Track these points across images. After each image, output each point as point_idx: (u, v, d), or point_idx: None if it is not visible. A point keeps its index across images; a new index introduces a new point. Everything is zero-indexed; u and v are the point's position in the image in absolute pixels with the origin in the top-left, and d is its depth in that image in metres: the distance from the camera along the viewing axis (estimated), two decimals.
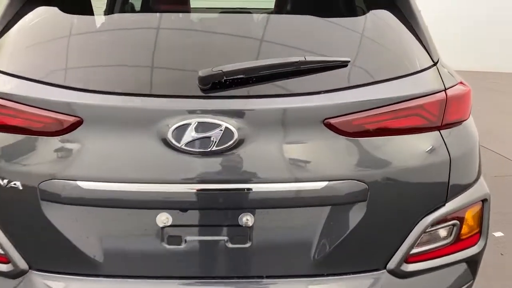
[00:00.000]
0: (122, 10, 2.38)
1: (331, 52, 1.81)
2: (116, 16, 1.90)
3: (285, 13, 2.35)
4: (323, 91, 1.68)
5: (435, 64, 1.88)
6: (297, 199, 1.67)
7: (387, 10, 1.98)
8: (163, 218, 1.68)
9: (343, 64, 1.74)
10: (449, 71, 1.94)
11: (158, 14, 1.97)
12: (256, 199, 1.67)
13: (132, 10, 2.63)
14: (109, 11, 2.57)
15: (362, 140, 1.70)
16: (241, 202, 1.67)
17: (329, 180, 1.67)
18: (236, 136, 1.61)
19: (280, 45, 1.88)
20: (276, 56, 1.75)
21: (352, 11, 2.13)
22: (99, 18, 1.90)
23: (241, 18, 2.10)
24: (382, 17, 1.98)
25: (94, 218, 1.70)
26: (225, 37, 1.88)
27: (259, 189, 1.65)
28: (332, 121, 1.67)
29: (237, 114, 1.63)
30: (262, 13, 2.64)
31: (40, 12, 1.88)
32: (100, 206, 1.68)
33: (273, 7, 2.66)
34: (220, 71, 1.59)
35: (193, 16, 1.92)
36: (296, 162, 1.66)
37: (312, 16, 1.96)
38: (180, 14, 1.93)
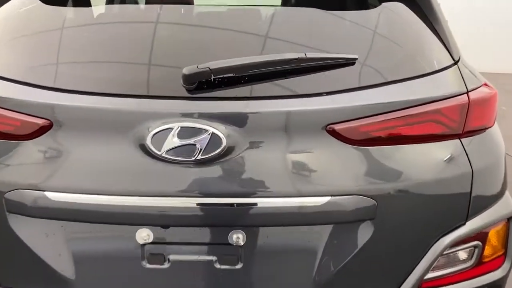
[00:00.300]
0: (110, 1, 2.20)
1: (336, 49, 1.60)
2: (92, 8, 1.70)
3: (289, 7, 2.14)
4: (325, 92, 1.47)
5: (455, 63, 1.65)
6: (295, 216, 1.46)
7: (402, 2, 1.76)
8: (144, 235, 1.48)
9: (350, 62, 1.53)
10: (472, 71, 1.71)
11: (141, 6, 1.78)
12: (248, 216, 1.46)
13: (122, 1, 2.45)
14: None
15: (371, 149, 1.49)
16: (231, 218, 1.46)
17: (332, 195, 1.45)
18: (224, 143, 1.41)
19: (280, 41, 1.67)
20: (275, 53, 1.54)
21: (361, 4, 1.91)
22: (73, 11, 1.71)
23: (237, 12, 1.90)
24: (396, 10, 1.75)
25: (65, 234, 1.51)
26: (218, 31, 1.67)
27: (251, 204, 1.44)
28: (336, 127, 1.46)
29: (226, 118, 1.42)
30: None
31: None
32: (72, 220, 1.49)
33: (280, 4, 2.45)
34: (207, 69, 1.39)
35: (182, 8, 1.73)
36: (294, 174, 1.45)
37: (316, 9, 1.75)
38: (166, 6, 1.73)
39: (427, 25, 1.71)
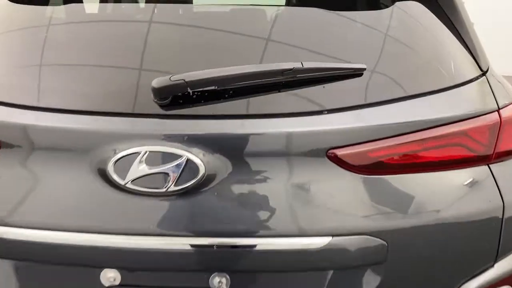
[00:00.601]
0: None
1: (341, 56, 1.34)
2: (46, 10, 1.45)
3: (287, 7, 1.88)
4: (327, 110, 1.21)
5: (484, 74, 1.39)
6: (288, 260, 1.21)
7: (419, 1, 1.49)
8: (110, 276, 1.24)
9: (357, 73, 1.27)
10: (503, 84, 1.44)
11: (108, 5, 1.53)
12: (232, 259, 1.21)
13: None
14: None
15: (380, 178, 1.23)
16: (211, 261, 1.21)
17: (333, 235, 1.19)
18: (203, 171, 1.16)
19: (275, 47, 1.40)
20: (269, 61, 1.29)
21: (371, 4, 1.65)
22: (28, 15, 1.45)
23: (228, 12, 1.65)
24: (411, 11, 1.49)
25: (17, 276, 1.27)
26: (200, 35, 1.42)
27: (235, 245, 1.19)
28: (339, 152, 1.20)
29: (205, 140, 1.17)
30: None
31: None
32: (23, 260, 1.25)
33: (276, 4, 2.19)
34: (182, 81, 1.14)
35: (156, 8, 1.48)
36: (288, 210, 1.19)
37: (318, 10, 1.49)
38: (138, 7, 1.48)
39: (448, 28, 1.45)
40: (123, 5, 1.53)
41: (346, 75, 1.26)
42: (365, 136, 1.21)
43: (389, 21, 1.47)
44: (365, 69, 1.27)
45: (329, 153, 1.20)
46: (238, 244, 1.19)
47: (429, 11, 1.48)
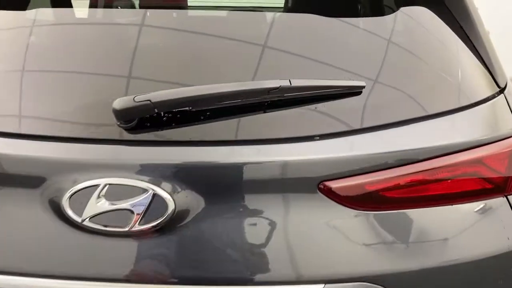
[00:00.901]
0: None
1: (337, 71, 1.17)
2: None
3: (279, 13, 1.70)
4: (318, 135, 1.04)
5: (501, 91, 1.21)
6: None
7: (426, 6, 1.32)
8: None
9: (354, 92, 1.10)
10: None
11: (67, 11, 1.35)
12: None
13: None
14: None
15: (381, 215, 1.06)
16: None
17: (326, 282, 1.02)
18: (172, 207, 0.99)
19: (266, 59, 1.22)
20: (258, 75, 1.13)
21: (374, 9, 1.48)
22: None
23: (208, 19, 1.47)
24: (418, 18, 1.32)
25: None
26: (174, 46, 1.25)
27: None
28: (333, 185, 1.03)
29: (175, 171, 1.00)
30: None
31: None
32: None
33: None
34: (147, 102, 0.97)
35: (126, 13, 1.31)
36: (273, 253, 1.02)
37: (314, 16, 1.31)
38: (101, 11, 1.31)
39: (460, 38, 1.27)
40: (85, 12, 1.35)
41: (342, 94, 1.08)
42: (362, 166, 1.03)
43: (391, 30, 1.29)
44: (363, 87, 1.09)
45: (322, 186, 1.03)
46: None
47: (437, 17, 1.31)
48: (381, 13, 1.45)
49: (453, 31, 1.28)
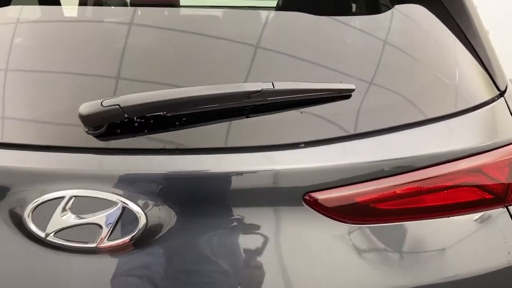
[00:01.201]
0: None
1: (323, 73, 1.09)
2: None
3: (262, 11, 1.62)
4: (303, 143, 0.96)
5: (501, 94, 1.13)
6: None
7: (422, 5, 1.24)
8: None
9: (343, 95, 1.02)
10: None
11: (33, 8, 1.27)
12: None
13: None
14: None
15: (372, 229, 0.98)
16: None
17: None
18: (143, 221, 0.91)
19: (253, 59, 1.15)
20: (242, 79, 1.05)
21: (367, 7, 1.40)
22: None
23: (196, 18, 1.39)
24: (414, 16, 1.24)
25: None
26: (162, 44, 1.16)
27: None
28: (320, 196, 0.95)
29: (147, 182, 0.92)
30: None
31: None
32: None
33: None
34: (116, 106, 0.89)
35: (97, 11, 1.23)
36: (252, 269, 0.94)
37: (302, 14, 1.23)
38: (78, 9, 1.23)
39: (458, 37, 1.19)
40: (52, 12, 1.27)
41: (329, 98, 1.01)
42: (352, 175, 0.95)
43: (385, 29, 1.21)
44: (353, 90, 1.01)
45: (308, 198, 0.95)
46: None
47: (434, 16, 1.23)
48: (375, 11, 1.38)
49: (451, 31, 1.21)
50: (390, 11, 1.24)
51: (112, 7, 1.44)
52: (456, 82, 1.11)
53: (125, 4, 1.94)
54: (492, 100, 1.11)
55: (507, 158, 1.03)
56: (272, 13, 1.56)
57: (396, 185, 0.97)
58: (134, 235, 0.91)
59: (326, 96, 1.01)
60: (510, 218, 1.06)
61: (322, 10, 1.21)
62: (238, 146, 0.95)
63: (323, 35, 1.21)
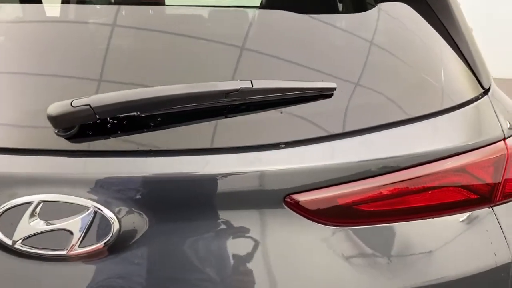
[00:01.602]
0: None
1: (304, 73, 1.06)
2: None
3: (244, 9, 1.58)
4: (284, 143, 0.93)
5: (485, 92, 1.11)
6: None
7: (406, 2, 1.22)
8: None
9: (324, 94, 0.99)
10: (506, 105, 1.16)
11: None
12: None
13: None
14: None
15: (355, 231, 0.95)
16: None
17: None
18: (116, 227, 0.87)
19: (231, 59, 1.11)
20: (223, 79, 1.01)
21: (351, 6, 1.38)
22: None
23: (176, 16, 1.35)
24: (397, 14, 1.21)
25: None
26: (133, 43, 1.13)
27: None
28: (301, 198, 0.92)
29: (121, 186, 0.88)
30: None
31: None
32: None
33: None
34: (87, 106, 0.85)
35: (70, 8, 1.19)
36: (231, 275, 0.90)
37: (284, 12, 1.20)
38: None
39: (441, 35, 1.17)
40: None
41: (310, 97, 0.97)
42: (334, 177, 0.92)
43: (368, 27, 1.18)
44: (334, 89, 0.99)
45: (289, 200, 0.92)
46: None
47: (417, 13, 1.21)
48: (359, 9, 1.35)
49: (434, 28, 1.19)
50: (373, 9, 1.21)
51: (92, 5, 1.40)
52: (440, 80, 1.09)
53: (109, 2, 1.88)
54: (476, 98, 1.08)
55: (491, 157, 1.01)
56: (256, 11, 1.53)
57: (379, 186, 0.94)
58: (107, 241, 0.87)
59: (307, 95, 0.98)
60: (495, 219, 1.04)
61: (306, 9, 1.18)
62: (215, 147, 0.92)
63: (304, 33, 1.18)
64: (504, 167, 1.03)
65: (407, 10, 1.22)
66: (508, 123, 1.09)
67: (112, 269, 0.88)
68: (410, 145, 0.97)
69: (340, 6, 1.45)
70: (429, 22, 1.19)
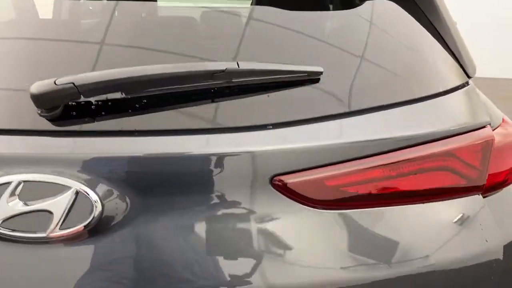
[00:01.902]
0: None
1: (295, 57, 1.06)
2: None
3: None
4: (271, 124, 0.92)
5: (467, 82, 1.12)
6: None
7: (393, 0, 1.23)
8: None
9: (312, 78, 0.99)
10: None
11: None
12: None
13: None
14: None
15: (343, 215, 0.93)
16: None
17: None
18: (99, 208, 0.84)
19: (220, 49, 1.11)
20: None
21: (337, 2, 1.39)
22: None
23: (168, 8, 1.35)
24: (382, 8, 1.23)
25: None
26: (114, 29, 1.12)
27: None
28: (289, 179, 0.90)
29: (103, 166, 0.86)
30: None
31: None
32: None
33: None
34: (70, 85, 0.84)
35: None
36: (218, 258, 0.87)
37: (275, 9, 1.20)
38: None
39: (425, 27, 1.18)
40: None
41: (298, 80, 0.97)
42: (322, 158, 0.91)
43: (356, 20, 1.20)
44: (321, 73, 0.98)
45: (276, 181, 0.90)
46: None
47: (402, 9, 1.22)
48: (348, 5, 1.36)
49: (419, 22, 1.20)
50: (362, 4, 1.22)
51: None
52: (426, 69, 1.09)
53: None
54: (463, 85, 1.09)
55: (480, 142, 1.01)
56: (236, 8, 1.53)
57: (367, 168, 0.93)
58: (89, 222, 0.84)
59: (294, 79, 0.97)
60: (486, 205, 1.03)
61: (293, 5, 1.19)
62: (201, 128, 0.90)
63: (294, 26, 1.18)
64: (490, 152, 1.02)
65: (392, 5, 1.23)
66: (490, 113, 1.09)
67: (94, 251, 0.85)
68: (398, 128, 0.97)
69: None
70: (413, 15, 1.20)
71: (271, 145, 0.90)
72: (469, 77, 1.12)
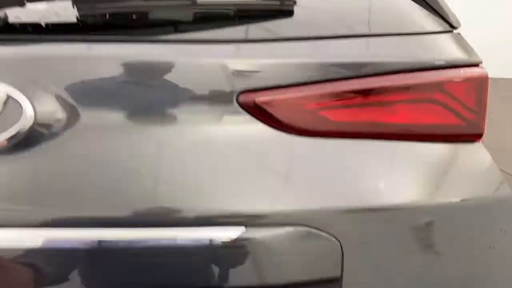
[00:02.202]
0: None
1: None
2: None
3: None
4: (242, 40, 0.82)
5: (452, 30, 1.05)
6: (170, 262, 0.71)
7: None
8: None
9: (284, 10, 0.89)
10: None
11: None
12: (85, 258, 0.71)
13: None
14: None
15: (322, 142, 0.80)
16: (38, 259, 0.70)
17: (248, 225, 0.72)
18: (30, 114, 0.71)
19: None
20: None
21: None
22: None
23: None
24: None
25: None
26: None
27: (80, 237, 0.70)
28: (259, 98, 0.78)
29: (37, 67, 0.73)
30: None
31: None
32: None
33: None
34: None
35: None
36: (173, 184, 0.72)
37: None
38: None
39: None
40: None
41: (269, 11, 0.88)
42: (296, 74, 0.80)
43: None
44: (295, 2, 0.90)
45: (243, 100, 0.78)
46: (85, 237, 0.69)
47: None
48: None
49: None
50: None
51: None
52: (410, 12, 1.01)
53: None
54: (449, 31, 1.01)
55: (477, 76, 0.90)
56: None
57: (348, 91, 0.81)
58: (18, 133, 0.70)
59: (263, 8, 0.89)
60: (485, 150, 0.91)
61: None
62: (154, 40, 0.79)
63: None
64: (486, 93, 0.92)
65: None
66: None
67: (23, 170, 0.70)
68: (385, 51, 0.87)
69: None
70: None
71: (238, 57, 0.79)
72: (453, 27, 1.05)
